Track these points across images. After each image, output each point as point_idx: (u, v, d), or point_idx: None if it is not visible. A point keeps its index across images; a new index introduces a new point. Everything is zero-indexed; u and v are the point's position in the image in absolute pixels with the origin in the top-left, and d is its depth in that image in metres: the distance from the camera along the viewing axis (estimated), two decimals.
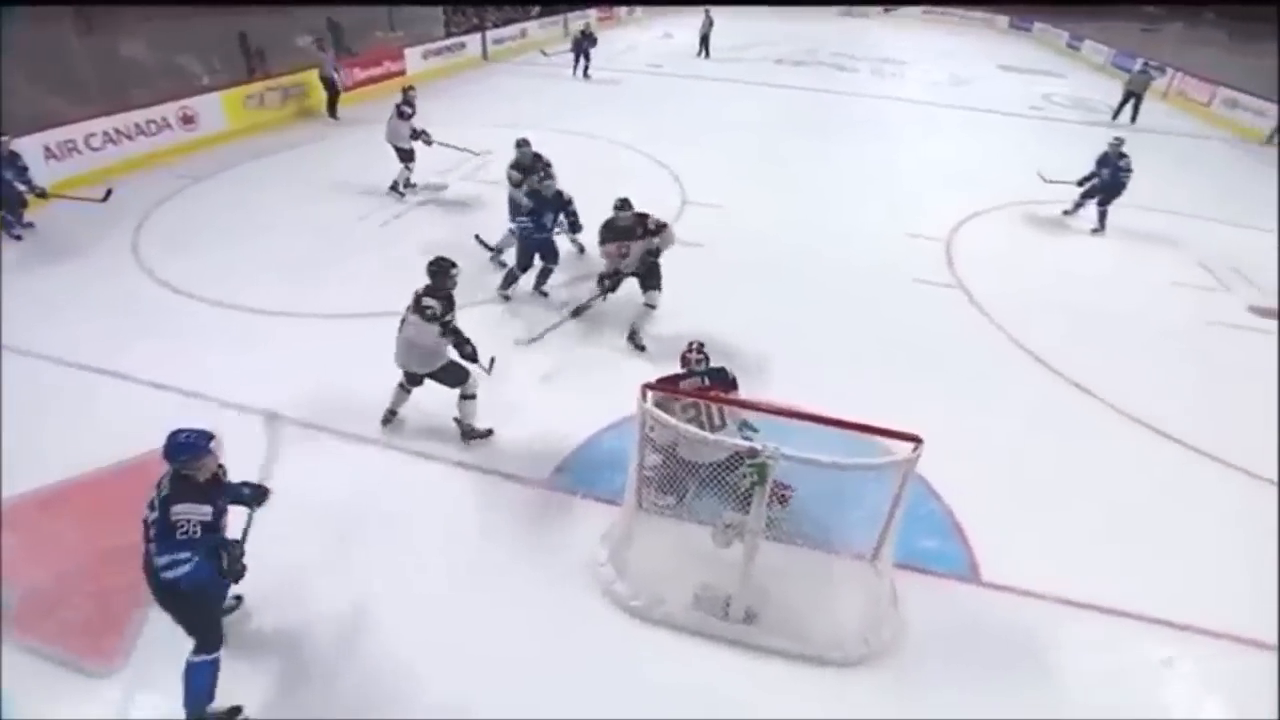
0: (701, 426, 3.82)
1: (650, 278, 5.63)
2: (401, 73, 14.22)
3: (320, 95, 11.86)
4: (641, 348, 5.61)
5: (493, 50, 17.58)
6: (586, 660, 3.30)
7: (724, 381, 4.14)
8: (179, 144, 9.68)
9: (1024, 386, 5.61)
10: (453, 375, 4.38)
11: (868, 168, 10.88)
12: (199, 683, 2.84)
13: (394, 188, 8.49)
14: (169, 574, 2.57)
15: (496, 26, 18.06)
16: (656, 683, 3.22)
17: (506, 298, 6.21)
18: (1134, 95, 14.80)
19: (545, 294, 6.31)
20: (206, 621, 2.86)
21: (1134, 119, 14.81)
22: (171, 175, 8.91)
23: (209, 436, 2.73)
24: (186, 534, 2.58)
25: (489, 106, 12.98)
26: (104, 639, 3.28)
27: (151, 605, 2.88)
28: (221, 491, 2.81)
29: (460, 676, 3.20)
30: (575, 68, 15.62)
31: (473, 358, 4.36)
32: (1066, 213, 8.99)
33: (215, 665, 2.86)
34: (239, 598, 3.37)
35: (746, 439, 3.46)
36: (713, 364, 4.21)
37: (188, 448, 2.67)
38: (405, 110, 8.24)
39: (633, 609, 3.50)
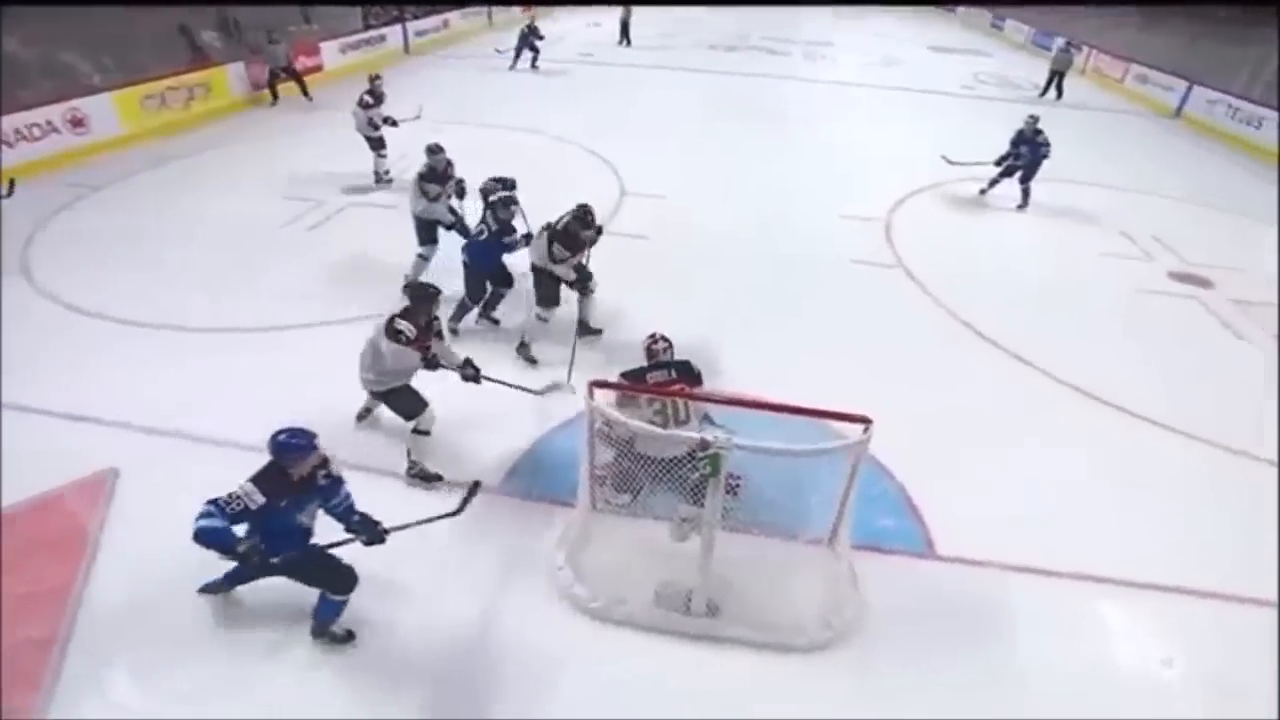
0: (666, 421, 3.87)
1: (550, 288, 5.41)
2: (319, 68, 13.80)
3: (226, 95, 11.39)
4: (532, 360, 5.40)
5: (415, 43, 17.21)
6: (549, 667, 3.27)
7: (689, 374, 4.13)
8: (69, 150, 9.06)
9: (967, 361, 5.83)
10: (406, 403, 4.14)
11: (803, 151, 11.11)
12: (329, 606, 3.20)
13: (379, 178, 8.72)
14: (206, 522, 2.75)
15: (417, 18, 17.67)
16: (622, 683, 3.22)
17: (455, 331, 5.63)
18: (1058, 73, 15.68)
19: (496, 321, 5.88)
20: (327, 570, 3.14)
21: (1059, 95, 15.69)
22: (63, 184, 8.36)
23: (310, 436, 2.95)
24: (229, 501, 2.80)
25: (414, 101, 12.63)
26: (15, 695, 3.06)
27: (69, 650, 2.72)
28: (309, 494, 2.99)
29: (419, 693, 3.14)
30: (516, 61, 15.51)
31: (476, 379, 4.27)
32: (982, 191, 9.26)
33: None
34: (351, 634, 3.36)
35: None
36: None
37: (286, 448, 2.89)
38: (366, 100, 8.38)
39: (593, 611, 3.50)
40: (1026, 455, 4.76)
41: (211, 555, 2.80)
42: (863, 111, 14.12)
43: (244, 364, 5.25)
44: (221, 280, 6.40)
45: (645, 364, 4.17)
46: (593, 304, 5.66)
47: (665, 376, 4.05)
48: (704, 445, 3.02)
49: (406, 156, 8.51)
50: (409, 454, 4.25)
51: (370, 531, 3.08)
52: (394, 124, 8.64)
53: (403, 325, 3.94)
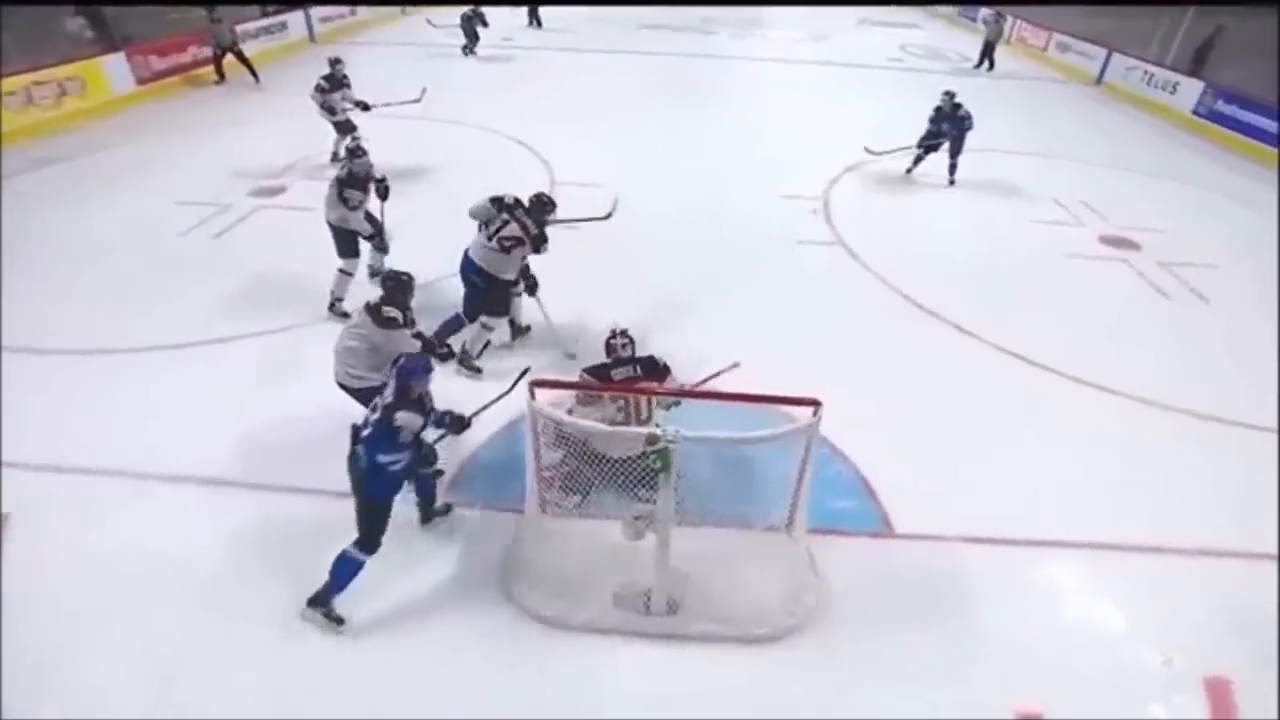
0: (629, 419, 3.87)
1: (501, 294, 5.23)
2: (207, 61, 13.08)
3: (105, 91, 10.77)
4: (477, 370, 5.23)
5: (320, 30, 16.59)
6: (505, 682, 3.23)
7: (654, 369, 4.09)
8: None
9: (912, 336, 6.02)
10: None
11: (737, 131, 11.24)
12: (341, 573, 3.38)
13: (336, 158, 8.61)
14: (392, 467, 3.22)
15: (321, 3, 17.01)
16: (583, 691, 3.21)
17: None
18: (990, 44, 16.36)
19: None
20: (378, 524, 3.39)
21: (990, 66, 16.36)
22: None
23: (427, 357, 3.54)
24: (404, 439, 3.21)
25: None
26: None
27: None
28: (426, 410, 3.34)
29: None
30: (470, 47, 15.34)
31: (449, 357, 4.23)
32: (908, 170, 9.43)
33: (360, 566, 3.39)
34: (449, 506, 3.95)
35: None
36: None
37: (414, 371, 3.31)
38: (322, 84, 8.40)
39: (549, 619, 3.47)
40: (975, 426, 4.95)
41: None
42: (794, 88, 14.37)
43: (136, 389, 4.99)
44: (117, 298, 6.05)
45: (607, 360, 4.13)
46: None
47: (630, 373, 4.03)
48: (652, 440, 3.02)
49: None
50: None
51: (458, 424, 3.53)
52: (366, 108, 8.68)
53: (392, 312, 3.97)
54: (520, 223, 5.01)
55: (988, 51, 16.43)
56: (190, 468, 4.28)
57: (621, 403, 3.90)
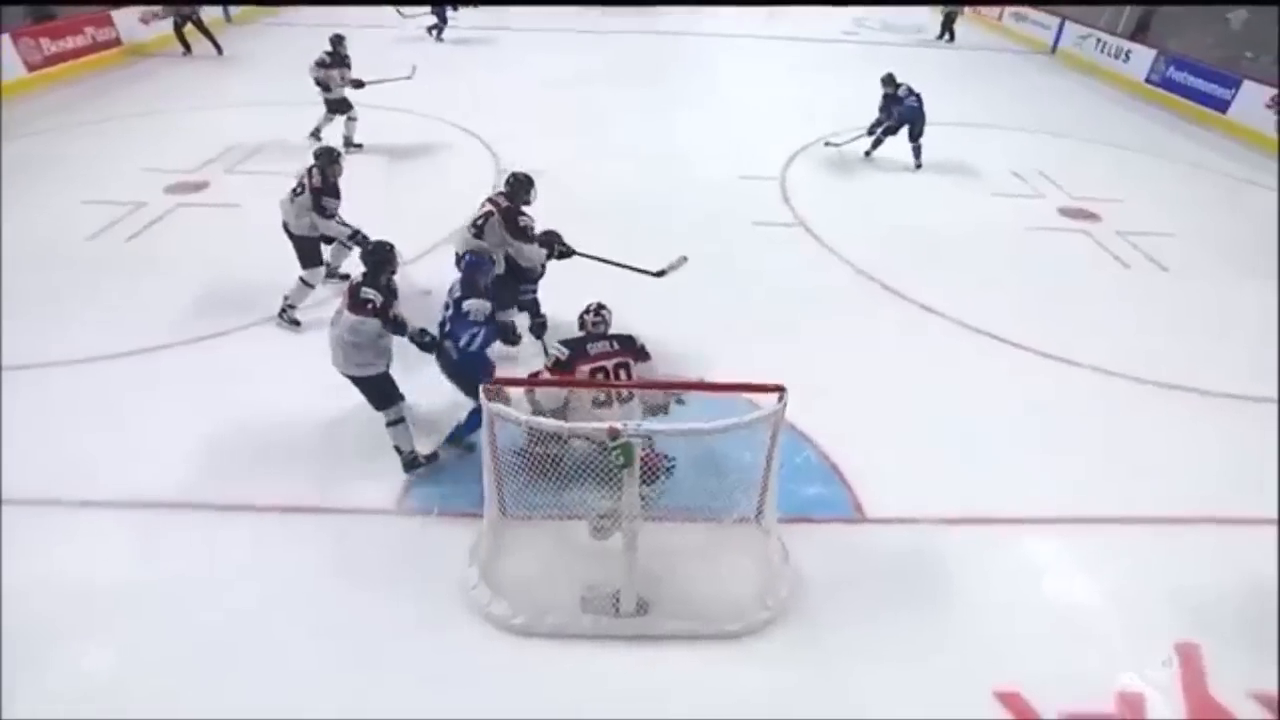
0: (609, 396, 3.81)
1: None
2: (114, 42, 12.54)
3: None
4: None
5: (237, 10, 16.06)
6: (475, 695, 3.22)
7: (632, 348, 4.03)
8: None
9: (876, 316, 6.17)
10: (378, 393, 4.19)
11: (690, 111, 11.29)
12: (475, 421, 4.00)
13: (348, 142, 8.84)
14: (473, 344, 4.04)
15: None
16: (555, 700, 3.23)
17: None
18: (950, 16, 16.80)
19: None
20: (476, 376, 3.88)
21: (951, 38, 16.82)
22: None
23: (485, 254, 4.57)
24: (475, 318, 3.99)
25: (251, 82, 11.90)
26: None
27: None
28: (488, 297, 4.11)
29: None
30: (441, 28, 15.21)
31: (433, 347, 4.17)
32: (867, 154, 9.43)
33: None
34: (472, 445, 4.25)
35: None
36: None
37: (478, 265, 4.24)
38: (324, 59, 8.56)
39: (516, 628, 3.48)
40: (943, 405, 5.10)
41: None
42: (747, 65, 14.51)
43: (49, 404, 4.83)
44: (18, 310, 5.72)
45: (581, 335, 4.10)
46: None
47: (607, 348, 3.95)
48: (614, 434, 3.05)
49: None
50: (397, 450, 4.31)
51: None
52: (360, 85, 8.81)
53: (369, 294, 3.96)
54: (491, 200, 5.07)
55: (948, 23, 16.85)
56: (125, 491, 4.15)
57: (600, 377, 3.86)
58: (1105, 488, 4.47)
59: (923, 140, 9.18)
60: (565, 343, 4.02)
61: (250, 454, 4.44)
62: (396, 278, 4.24)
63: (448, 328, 4.09)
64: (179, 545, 3.88)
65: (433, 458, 4.35)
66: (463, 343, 4.02)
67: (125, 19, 12.96)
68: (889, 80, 8.98)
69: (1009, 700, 3.27)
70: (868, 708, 3.26)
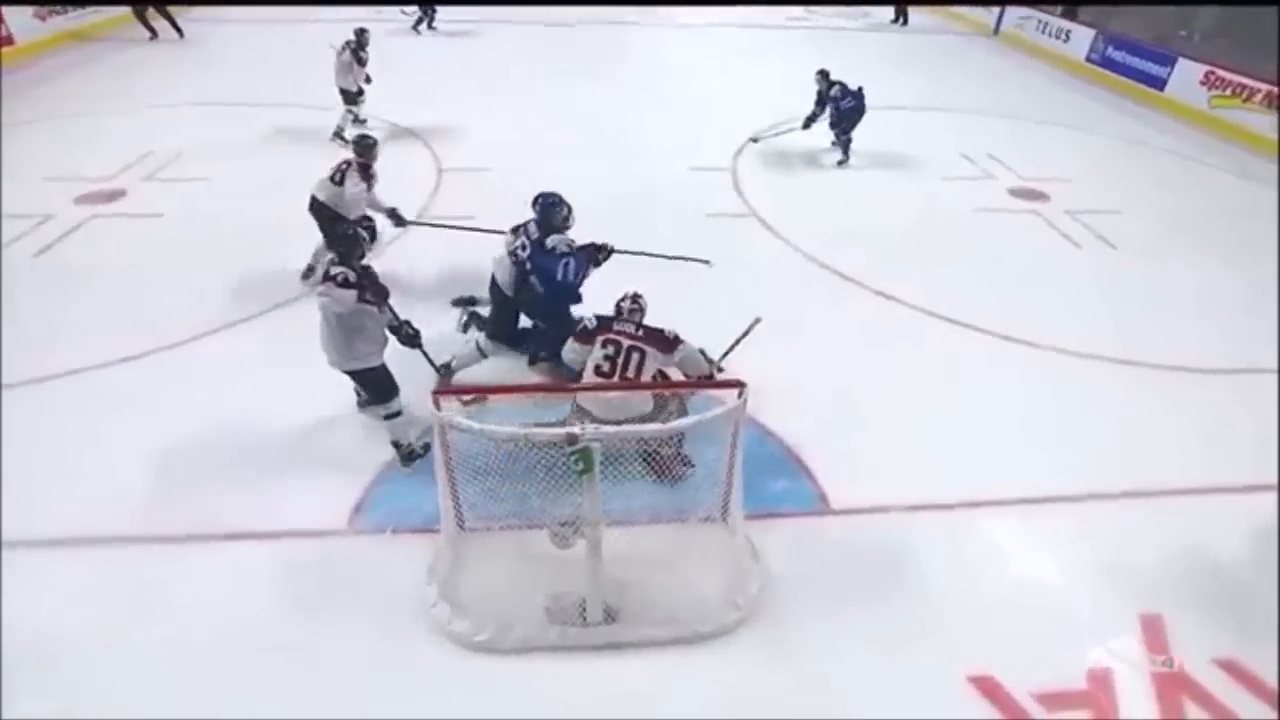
0: (615, 368, 4.06)
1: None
2: (5, 41, 11.78)
3: None
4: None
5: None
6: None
7: (658, 340, 4.18)
8: None
9: (833, 304, 6.27)
10: (378, 386, 4.24)
11: (637, 102, 11.32)
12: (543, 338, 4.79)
13: (336, 134, 9.08)
14: (560, 275, 4.67)
15: None
16: (526, 717, 3.21)
17: (447, 369, 5.00)
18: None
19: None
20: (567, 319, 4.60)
21: (904, 22, 17.27)
22: None
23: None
24: (561, 250, 4.67)
25: (171, 82, 11.46)
26: None
27: None
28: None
29: None
30: (427, 20, 15.18)
31: (413, 341, 4.24)
32: (841, 160, 9.20)
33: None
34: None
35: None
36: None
37: (552, 203, 4.92)
38: (357, 52, 9.01)
39: (479, 644, 3.44)
40: (903, 392, 5.21)
41: None
42: (694, 53, 14.60)
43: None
44: None
45: (610, 315, 4.38)
46: None
47: (629, 329, 4.19)
48: (572, 440, 3.03)
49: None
50: (395, 445, 4.36)
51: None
52: (368, 80, 9.31)
53: (338, 270, 3.97)
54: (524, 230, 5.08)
55: (901, 7, 17.27)
56: (55, 528, 3.98)
57: (610, 350, 4.09)
58: (1065, 466, 4.62)
59: (853, 136, 9.02)
60: (599, 317, 4.38)
61: (184, 483, 4.29)
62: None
63: (528, 268, 4.70)
64: (116, 585, 3.73)
65: (429, 449, 4.17)
66: (559, 276, 4.64)
67: (18, 15, 12.15)
68: (823, 77, 8.95)
69: (983, 685, 3.37)
70: (844, 703, 3.31)
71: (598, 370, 4.06)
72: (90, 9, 13.77)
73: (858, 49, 12.19)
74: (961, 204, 8.27)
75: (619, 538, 3.50)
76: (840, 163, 9.14)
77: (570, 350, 4.27)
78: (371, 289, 4.02)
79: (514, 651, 3.45)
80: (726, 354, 4.59)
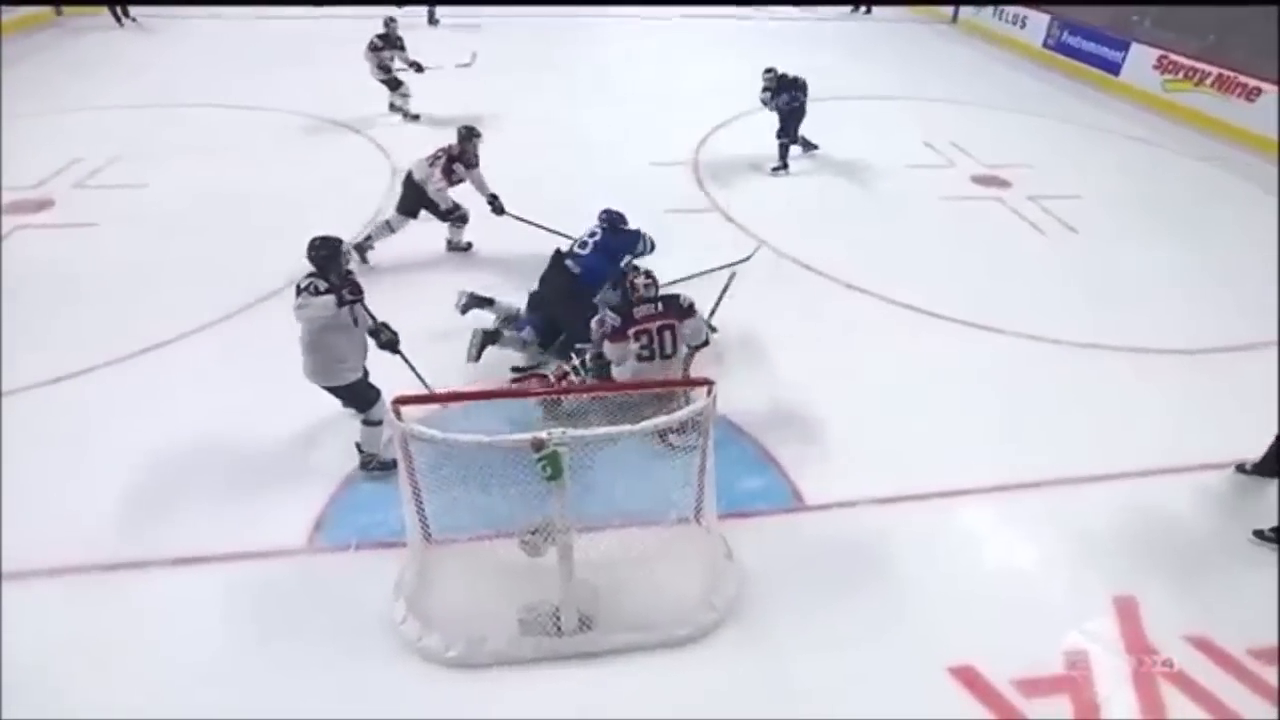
0: (653, 354, 4.50)
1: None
2: None
3: None
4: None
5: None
6: None
7: (677, 308, 4.62)
8: None
9: (799, 297, 6.36)
10: (355, 399, 4.25)
11: (592, 96, 11.31)
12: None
13: (405, 115, 9.89)
14: (642, 246, 5.50)
15: None
16: None
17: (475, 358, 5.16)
18: None
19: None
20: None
21: (868, 10, 17.56)
22: None
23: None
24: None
25: (100, 83, 11.12)
26: None
27: None
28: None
29: None
30: (432, 14, 15.18)
31: (393, 346, 4.21)
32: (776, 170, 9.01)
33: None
34: None
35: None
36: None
37: (611, 214, 5.49)
38: (375, 42, 9.40)
39: (451, 660, 3.42)
40: (872, 383, 5.30)
41: None
42: (651, 45, 14.64)
43: None
44: None
45: (630, 299, 4.65)
46: None
47: (651, 311, 4.55)
48: (538, 445, 3.03)
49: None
50: (360, 448, 4.33)
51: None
52: (420, 69, 9.88)
53: (308, 281, 3.92)
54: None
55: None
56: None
57: (644, 340, 4.48)
58: (1035, 452, 4.75)
59: (791, 140, 8.81)
60: (615, 309, 4.66)
61: (124, 507, 4.16)
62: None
63: (582, 263, 5.18)
64: (47, 622, 3.60)
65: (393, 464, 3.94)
66: (640, 247, 5.42)
67: None
68: (771, 75, 8.62)
69: (963, 675, 3.45)
70: (827, 701, 3.36)
71: (639, 358, 4.50)
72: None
73: (815, 39, 12.34)
74: (925, 192, 8.45)
75: (591, 543, 3.53)
76: (775, 169, 8.81)
77: (611, 351, 4.59)
78: (349, 288, 3.98)
79: (488, 665, 3.43)
80: (713, 312, 5.02)
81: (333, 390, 4.21)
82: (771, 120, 8.80)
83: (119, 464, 4.41)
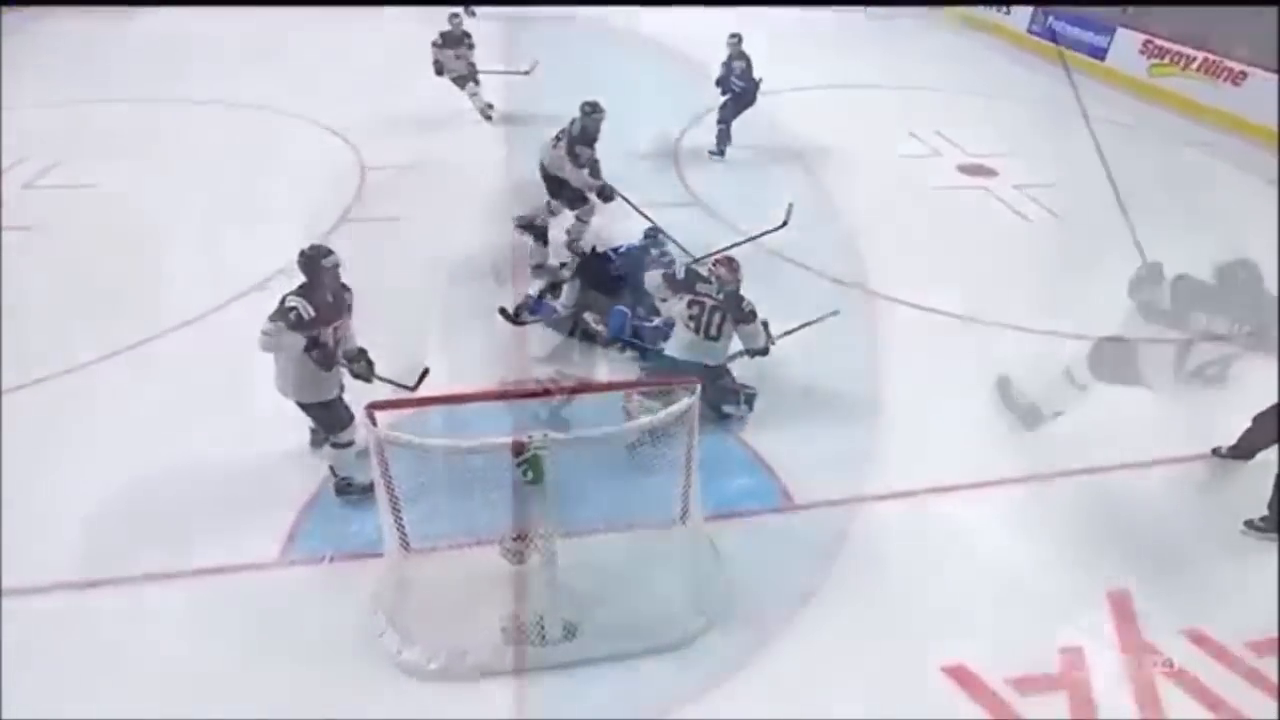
0: (700, 327, 4.63)
1: None
2: None
3: None
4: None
5: None
6: None
7: (736, 307, 4.69)
8: None
9: (784, 293, 6.33)
10: (328, 417, 4.16)
11: (574, 88, 11.13)
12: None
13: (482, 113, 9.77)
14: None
15: None
16: None
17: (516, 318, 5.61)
18: None
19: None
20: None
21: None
22: None
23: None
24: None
25: (46, 79, 10.92)
26: None
27: None
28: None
29: None
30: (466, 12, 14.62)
31: (366, 375, 4.11)
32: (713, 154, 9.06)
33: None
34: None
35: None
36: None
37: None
38: (436, 40, 9.25)
39: (433, 673, 3.41)
40: (860, 379, 5.34)
41: None
42: (623, 34, 14.60)
43: None
44: None
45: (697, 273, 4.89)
46: None
47: (714, 294, 4.67)
48: (519, 449, 3.02)
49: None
50: (333, 470, 4.25)
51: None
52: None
53: (295, 301, 3.78)
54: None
55: None
56: None
57: (695, 310, 4.64)
58: (1027, 445, 4.80)
59: (729, 125, 8.79)
60: (686, 269, 4.99)
61: (86, 523, 4.09)
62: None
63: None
64: (30, 636, 3.55)
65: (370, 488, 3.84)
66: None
67: None
68: (735, 42, 8.62)
69: (957, 674, 3.48)
70: (819, 704, 3.38)
71: (685, 322, 4.66)
72: None
73: (797, 28, 12.36)
74: (912, 182, 8.53)
75: (575, 549, 3.52)
76: (713, 153, 8.86)
77: (656, 286, 4.91)
78: (319, 351, 3.87)
79: (468, 677, 3.42)
80: (787, 334, 5.09)
81: (304, 407, 4.13)
82: (761, 111, 8.80)
83: (83, 479, 4.34)
